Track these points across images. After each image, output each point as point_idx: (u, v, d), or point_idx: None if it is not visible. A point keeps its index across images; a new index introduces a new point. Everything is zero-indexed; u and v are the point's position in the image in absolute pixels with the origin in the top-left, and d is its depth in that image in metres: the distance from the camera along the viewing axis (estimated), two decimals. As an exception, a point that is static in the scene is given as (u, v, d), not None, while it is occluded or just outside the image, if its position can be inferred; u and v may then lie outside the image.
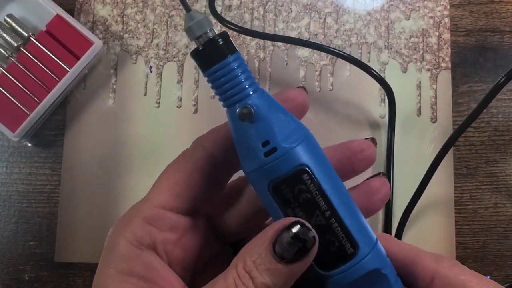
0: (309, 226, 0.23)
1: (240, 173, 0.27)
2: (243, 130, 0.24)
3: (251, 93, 0.24)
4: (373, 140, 0.28)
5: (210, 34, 0.24)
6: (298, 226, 0.23)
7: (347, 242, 0.24)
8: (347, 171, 0.27)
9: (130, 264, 0.25)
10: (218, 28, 0.47)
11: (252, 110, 0.23)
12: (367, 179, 0.28)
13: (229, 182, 0.29)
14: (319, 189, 0.24)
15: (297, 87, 0.28)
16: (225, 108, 0.24)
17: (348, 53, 0.46)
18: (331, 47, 0.44)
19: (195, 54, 0.24)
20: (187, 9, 0.24)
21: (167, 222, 0.26)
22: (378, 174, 0.28)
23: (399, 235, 0.43)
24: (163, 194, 0.26)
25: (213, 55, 0.24)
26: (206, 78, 0.24)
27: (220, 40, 0.24)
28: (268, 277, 0.22)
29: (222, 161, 0.27)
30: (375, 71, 0.44)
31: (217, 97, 0.24)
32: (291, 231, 0.23)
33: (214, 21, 0.47)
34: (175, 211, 0.26)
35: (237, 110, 0.23)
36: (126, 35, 0.47)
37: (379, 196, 0.28)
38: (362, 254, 0.24)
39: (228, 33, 0.46)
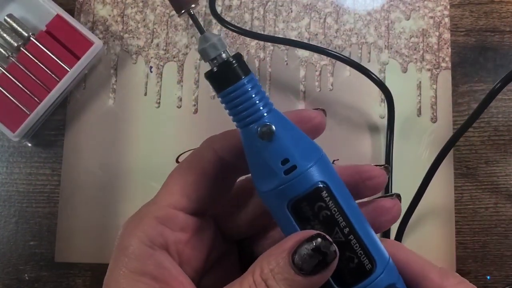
0: (331, 240, 0.23)
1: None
2: (261, 149, 0.24)
3: (265, 114, 0.24)
4: (386, 168, 0.27)
5: (224, 56, 0.24)
6: (320, 239, 0.23)
7: (365, 258, 0.24)
8: (352, 194, 0.26)
9: (143, 264, 0.25)
10: (218, 28, 0.47)
11: (273, 128, 0.24)
12: (380, 197, 0.28)
13: (236, 182, 0.29)
14: (338, 206, 0.24)
15: (316, 109, 0.27)
16: (239, 129, 0.24)
17: (348, 53, 0.46)
18: (331, 50, 0.44)
19: (209, 76, 0.24)
20: (201, 31, 0.25)
21: (178, 222, 0.26)
22: (392, 194, 0.28)
23: (399, 236, 0.42)
24: (174, 195, 0.26)
25: (227, 76, 0.24)
26: (220, 99, 0.24)
27: (234, 62, 0.24)
28: (285, 287, 0.22)
29: (231, 165, 0.27)
30: (374, 74, 0.43)
31: (231, 117, 0.24)
32: (312, 243, 0.23)
33: (214, 21, 0.47)
34: (185, 211, 0.26)
35: (258, 129, 0.24)
36: (126, 35, 0.47)
37: (387, 217, 0.27)
38: (380, 270, 0.24)
39: (228, 33, 0.46)
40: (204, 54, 0.24)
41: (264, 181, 0.24)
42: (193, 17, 0.26)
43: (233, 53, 0.24)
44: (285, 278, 0.22)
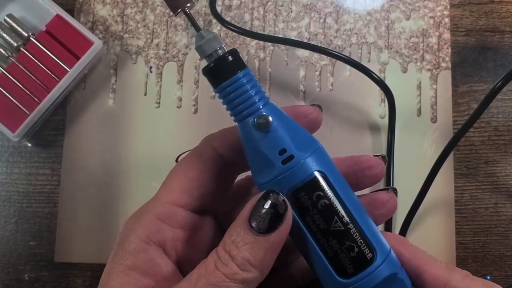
0: (278, 192, 0.23)
1: (247, 173, 0.27)
2: (258, 140, 0.24)
3: (261, 107, 0.24)
4: (383, 158, 0.28)
5: (220, 52, 0.25)
6: (271, 194, 0.23)
7: (365, 247, 0.24)
8: (351, 185, 0.27)
9: (135, 258, 0.25)
10: (218, 28, 0.47)
11: (269, 118, 0.24)
12: (376, 190, 0.28)
13: (236, 181, 0.29)
14: (336, 195, 0.24)
15: (312, 104, 0.28)
16: (237, 123, 0.25)
17: (348, 53, 0.46)
18: (331, 49, 0.44)
19: (206, 71, 0.25)
20: (197, 29, 0.25)
21: (178, 219, 0.26)
22: (388, 188, 0.28)
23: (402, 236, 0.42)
24: (174, 191, 0.27)
25: (223, 71, 0.24)
26: (217, 94, 0.25)
27: (229, 57, 0.24)
28: (247, 251, 0.23)
29: (231, 162, 0.27)
30: (375, 73, 0.43)
31: (228, 112, 0.25)
32: (263, 200, 0.23)
33: (214, 21, 0.47)
34: (186, 208, 0.27)
35: (255, 119, 0.24)
36: (126, 35, 0.47)
37: (382, 210, 0.28)
38: (380, 260, 0.24)
39: (228, 33, 0.46)
40: (200, 51, 0.25)
41: (263, 172, 0.24)
42: (189, 16, 0.26)
43: (229, 49, 0.25)
44: (246, 243, 0.23)
